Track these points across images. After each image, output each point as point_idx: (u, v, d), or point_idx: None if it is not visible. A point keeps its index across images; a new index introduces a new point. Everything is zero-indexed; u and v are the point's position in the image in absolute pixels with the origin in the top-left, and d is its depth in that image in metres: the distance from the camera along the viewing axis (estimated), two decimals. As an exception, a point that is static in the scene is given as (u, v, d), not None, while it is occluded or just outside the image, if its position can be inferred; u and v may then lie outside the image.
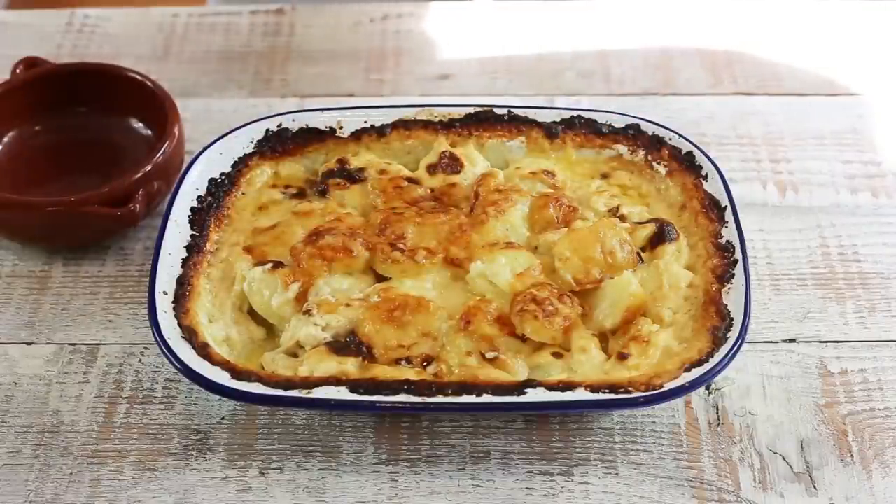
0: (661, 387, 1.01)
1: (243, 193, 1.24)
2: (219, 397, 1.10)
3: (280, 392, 1.01)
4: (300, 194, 1.25)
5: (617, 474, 1.07)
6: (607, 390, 1.01)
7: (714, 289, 1.09)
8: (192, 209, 1.19)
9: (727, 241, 1.14)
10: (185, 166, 1.23)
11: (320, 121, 1.28)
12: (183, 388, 1.14)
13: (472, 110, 1.29)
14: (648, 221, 1.18)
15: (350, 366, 1.05)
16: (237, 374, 1.03)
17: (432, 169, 1.25)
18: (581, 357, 1.06)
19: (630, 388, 1.01)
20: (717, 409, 1.12)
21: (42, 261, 1.27)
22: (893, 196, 1.34)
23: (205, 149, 1.23)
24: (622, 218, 1.19)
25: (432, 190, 1.23)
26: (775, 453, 1.08)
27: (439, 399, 1.01)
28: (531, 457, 1.08)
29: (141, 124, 1.37)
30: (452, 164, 1.25)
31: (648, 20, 1.63)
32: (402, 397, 1.01)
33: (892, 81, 1.52)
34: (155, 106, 1.32)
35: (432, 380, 1.04)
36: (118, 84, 1.36)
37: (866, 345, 1.18)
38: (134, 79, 1.35)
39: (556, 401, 1.00)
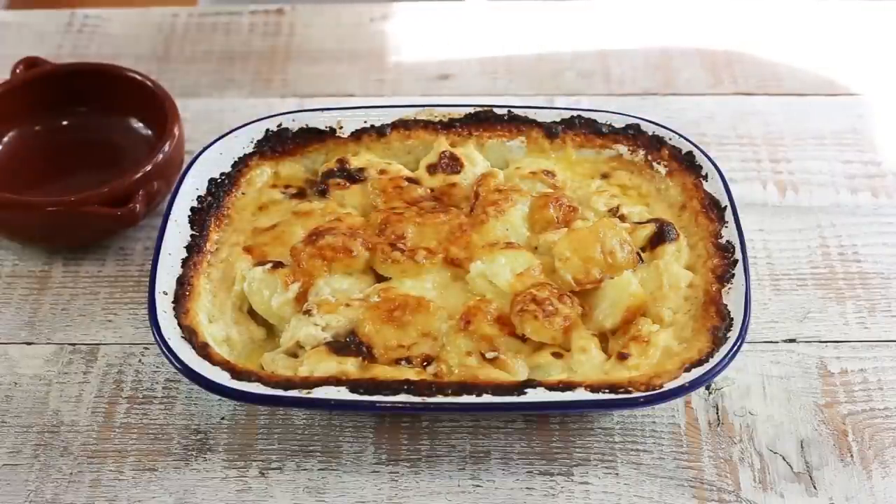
0: (661, 387, 1.01)
1: (243, 193, 1.24)
2: (219, 397, 1.11)
3: (280, 392, 1.01)
4: (300, 194, 1.25)
5: (617, 474, 1.07)
6: (607, 390, 1.01)
7: (714, 289, 1.09)
8: (192, 209, 1.19)
9: (727, 241, 1.14)
10: (185, 166, 1.23)
11: (320, 121, 1.28)
12: (183, 388, 1.14)
13: (472, 110, 1.29)
14: (648, 221, 1.18)
15: (350, 366, 1.05)
16: (237, 374, 1.03)
17: (432, 169, 1.25)
18: (581, 357, 1.06)
19: (630, 388, 1.01)
20: (717, 409, 1.12)
21: (42, 261, 1.28)
22: (893, 196, 1.34)
23: (205, 149, 1.23)
24: (622, 218, 1.19)
25: (432, 190, 1.23)
26: (775, 453, 1.08)
27: (439, 399, 1.01)
28: (531, 457, 1.08)
29: (141, 124, 1.38)
30: (452, 164, 1.25)
31: (648, 20, 1.63)
32: (402, 397, 1.01)
33: (892, 81, 1.52)
34: (155, 106, 1.32)
35: (432, 380, 1.04)
36: (118, 84, 1.36)
37: (866, 345, 1.18)
38: (134, 79, 1.35)
39: (556, 401, 1.00)
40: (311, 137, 1.28)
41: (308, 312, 1.10)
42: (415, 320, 1.09)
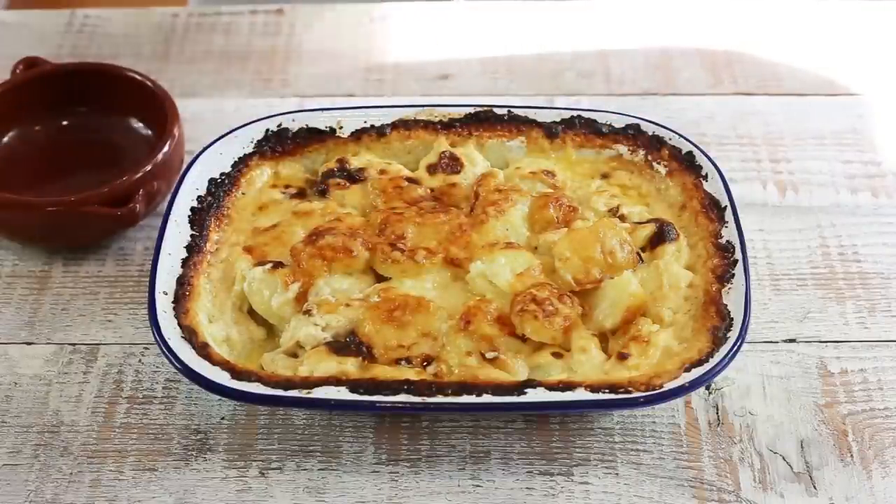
0: (661, 387, 1.01)
1: (243, 193, 1.24)
2: (219, 397, 1.11)
3: (280, 392, 1.01)
4: (300, 194, 1.25)
5: (617, 474, 1.07)
6: (607, 390, 1.01)
7: (714, 289, 1.09)
8: (192, 209, 1.19)
9: (727, 241, 1.14)
10: (185, 166, 1.23)
11: (320, 121, 1.28)
12: (183, 388, 1.14)
13: (472, 110, 1.29)
14: (648, 221, 1.18)
15: (350, 366, 1.05)
16: (237, 374, 1.03)
17: (432, 169, 1.25)
18: (581, 357, 1.06)
19: (630, 388, 1.01)
20: (717, 409, 1.12)
21: (42, 261, 1.28)
22: (893, 196, 1.34)
23: (205, 149, 1.23)
24: (622, 218, 1.19)
25: (432, 190, 1.23)
26: (775, 453, 1.08)
27: (439, 399, 1.01)
28: (531, 457, 1.08)
29: (141, 124, 1.38)
30: (452, 164, 1.25)
31: (648, 20, 1.63)
32: (402, 397, 1.01)
33: (892, 81, 1.52)
34: (155, 106, 1.32)
35: (432, 380, 1.04)
36: (118, 84, 1.36)
37: (866, 345, 1.18)
38: (134, 79, 1.35)
39: (556, 401, 1.00)
40: (311, 137, 1.28)
41: (308, 312, 1.10)
42: (415, 320, 1.09)
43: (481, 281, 1.12)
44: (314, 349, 1.07)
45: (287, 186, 1.25)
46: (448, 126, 1.28)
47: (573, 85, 1.52)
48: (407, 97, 1.50)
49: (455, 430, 1.10)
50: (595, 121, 1.27)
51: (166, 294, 1.10)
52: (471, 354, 1.07)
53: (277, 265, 1.14)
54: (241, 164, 1.25)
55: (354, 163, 1.25)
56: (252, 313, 1.14)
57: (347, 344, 1.08)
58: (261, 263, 1.15)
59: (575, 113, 1.28)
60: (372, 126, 1.28)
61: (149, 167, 1.23)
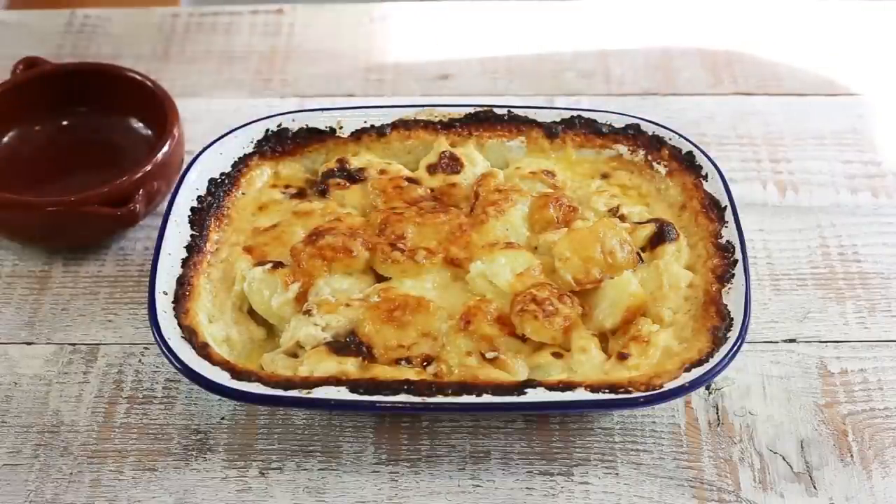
0: (661, 387, 1.01)
1: (243, 193, 1.24)
2: (219, 397, 1.10)
3: (280, 392, 1.01)
4: (300, 194, 1.25)
5: (617, 474, 1.07)
6: (607, 390, 1.01)
7: (714, 289, 1.09)
8: (192, 209, 1.19)
9: (727, 241, 1.14)
10: (185, 166, 1.23)
11: (320, 121, 1.28)
12: (183, 388, 1.14)
13: (472, 110, 1.29)
14: (648, 221, 1.18)
15: (350, 366, 1.05)
16: (237, 374, 1.03)
17: (432, 169, 1.25)
18: (581, 357, 1.06)
19: (630, 388, 1.01)
20: (717, 409, 1.12)
21: (42, 261, 1.28)
22: (893, 196, 1.34)
23: (205, 149, 1.23)
24: (622, 218, 1.19)
25: (432, 190, 1.23)
26: (775, 453, 1.08)
27: (439, 399, 1.01)
28: (531, 457, 1.08)
29: (141, 124, 1.38)
30: (452, 164, 1.25)
31: (648, 20, 1.63)
32: (402, 397, 1.01)
33: (892, 81, 1.52)
34: (155, 106, 1.32)
35: (432, 380, 1.04)
36: (118, 84, 1.36)
37: (866, 345, 1.18)
38: (134, 79, 1.35)
39: (556, 401, 1.00)
40: (311, 137, 1.28)
41: (308, 312, 1.10)
42: (415, 320, 1.09)
43: (481, 281, 1.12)
44: (314, 349, 1.07)
45: (287, 186, 1.25)
46: (448, 126, 1.28)
47: (573, 85, 1.52)
48: (407, 97, 1.50)
49: (455, 430, 1.10)
50: (595, 121, 1.27)
51: (166, 294, 1.10)
52: (471, 354, 1.07)
53: (277, 265, 1.14)
54: (241, 164, 1.25)
55: (354, 163, 1.25)
56: (252, 313, 1.14)
57: (347, 344, 1.08)
58: (261, 263, 1.15)
59: (575, 113, 1.28)
60: (372, 126, 1.28)
61: (149, 167, 1.23)
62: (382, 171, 1.24)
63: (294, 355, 1.09)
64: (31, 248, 1.28)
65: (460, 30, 1.62)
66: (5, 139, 1.36)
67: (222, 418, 1.12)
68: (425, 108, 1.29)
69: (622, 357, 1.06)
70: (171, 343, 1.05)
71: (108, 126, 1.38)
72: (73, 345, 1.19)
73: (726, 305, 1.07)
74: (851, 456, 1.08)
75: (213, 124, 1.38)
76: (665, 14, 1.64)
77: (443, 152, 1.25)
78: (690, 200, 1.20)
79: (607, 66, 1.55)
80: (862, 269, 1.26)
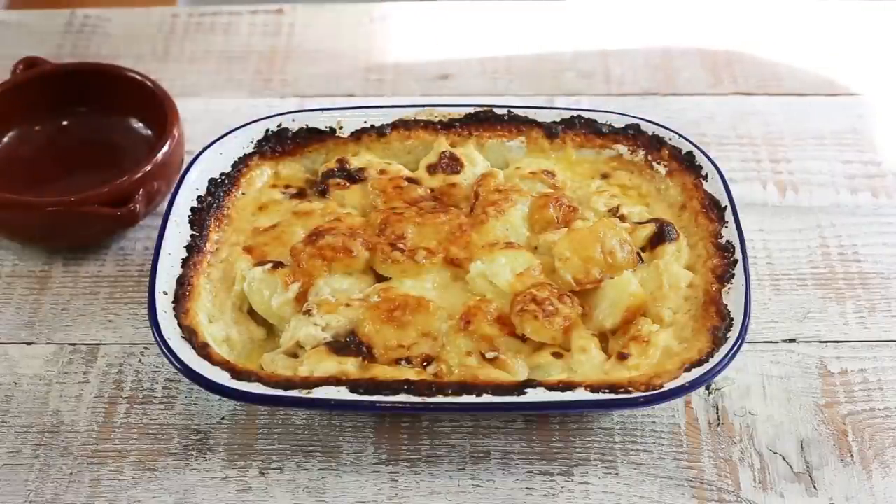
0: (661, 387, 1.01)
1: (243, 193, 1.24)
2: (219, 397, 1.10)
3: (280, 392, 1.01)
4: (300, 194, 1.25)
5: (617, 474, 1.07)
6: (607, 390, 1.01)
7: (714, 289, 1.09)
8: (192, 209, 1.19)
9: (727, 241, 1.14)
10: (185, 166, 1.23)
11: (320, 121, 1.28)
12: (183, 388, 1.14)
13: (472, 110, 1.29)
14: (648, 221, 1.18)
15: (350, 366, 1.05)
16: (237, 374, 1.03)
17: (432, 169, 1.25)
18: (581, 357, 1.06)
19: (630, 388, 1.01)
20: (717, 409, 1.12)
21: (42, 261, 1.28)
22: (893, 196, 1.34)
23: (205, 149, 1.23)
24: (622, 218, 1.19)
25: (432, 190, 1.23)
26: (775, 453, 1.08)
27: (439, 399, 1.01)
28: (531, 457, 1.08)
29: (141, 124, 1.38)
30: (452, 164, 1.25)
31: (648, 20, 1.63)
32: (402, 397, 1.01)
33: (892, 81, 1.52)
34: (155, 106, 1.32)
35: (432, 380, 1.04)
36: (118, 84, 1.36)
37: (866, 345, 1.18)
38: (134, 79, 1.35)
39: (556, 401, 1.00)
40: (311, 137, 1.28)
41: (308, 312, 1.10)
42: (415, 320, 1.09)
43: (481, 281, 1.12)
44: (314, 349, 1.07)
45: (287, 186, 1.25)
46: (448, 126, 1.28)
47: (573, 85, 1.52)
48: (407, 97, 1.50)
49: (455, 430, 1.10)
50: (595, 121, 1.27)
51: (166, 294, 1.10)
52: (471, 354, 1.07)
53: (277, 265, 1.14)
54: (241, 164, 1.25)
55: (354, 163, 1.25)
56: (252, 313, 1.14)
57: (347, 344, 1.08)
58: (261, 263, 1.15)
59: (575, 113, 1.28)
60: (372, 126, 1.28)
61: (149, 167, 1.23)
62: (382, 171, 1.24)
63: (294, 355, 1.09)
64: (31, 248, 1.28)
65: (460, 30, 1.62)
66: (5, 139, 1.36)
67: (222, 418, 1.12)
68: (425, 108, 1.29)
69: (622, 357, 1.06)
70: (171, 343, 1.05)
71: (108, 126, 1.38)
72: (73, 345, 1.19)
73: (726, 305, 1.07)
74: (851, 456, 1.08)
75: (213, 124, 1.38)
76: (665, 14, 1.64)
77: (443, 152, 1.25)
78: (690, 200, 1.20)
79: (607, 66, 1.55)
80: (862, 269, 1.26)
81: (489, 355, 1.07)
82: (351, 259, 1.13)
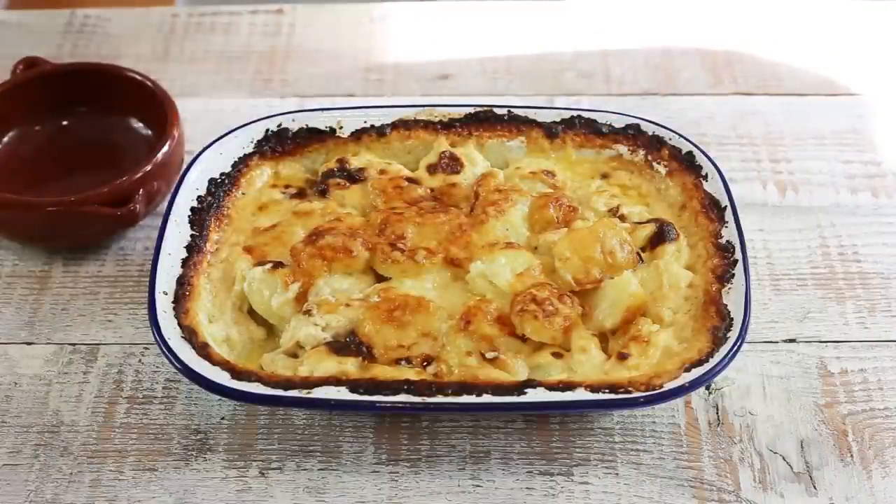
0: (661, 387, 1.01)
1: (243, 193, 1.24)
2: (219, 397, 1.10)
3: (280, 392, 1.01)
4: (300, 194, 1.25)
5: (617, 474, 1.07)
6: (607, 390, 1.01)
7: (714, 289, 1.09)
8: (192, 209, 1.19)
9: (727, 241, 1.14)
10: (185, 166, 1.23)
11: (320, 121, 1.28)
12: (183, 388, 1.14)
13: (472, 110, 1.29)
14: (648, 221, 1.18)
15: (350, 366, 1.05)
16: (237, 374, 1.03)
17: (432, 169, 1.25)
18: (581, 357, 1.06)
19: (630, 388, 1.01)
20: (717, 409, 1.12)
21: (42, 261, 1.28)
22: (893, 196, 1.34)
23: (205, 149, 1.23)
24: (622, 218, 1.19)
25: (432, 190, 1.23)
26: (775, 453, 1.08)
27: (439, 399, 1.01)
28: (531, 457, 1.08)
29: (141, 124, 1.38)
30: (452, 164, 1.25)
31: (648, 20, 1.63)
32: (402, 397, 1.01)
33: (892, 81, 1.52)
34: (155, 106, 1.32)
35: (432, 380, 1.04)
36: (118, 84, 1.36)
37: (866, 345, 1.18)
38: (134, 79, 1.35)
39: (556, 401, 1.00)
40: (311, 137, 1.28)
41: (308, 312, 1.10)
42: (415, 320, 1.09)
43: (481, 281, 1.12)
44: (314, 349, 1.07)
45: (287, 186, 1.25)
46: (448, 126, 1.28)
47: (573, 85, 1.52)
48: (407, 97, 1.50)
49: (455, 430, 1.10)
50: (595, 121, 1.27)
51: (166, 294, 1.10)
52: (471, 354, 1.07)
53: (277, 265, 1.14)
54: (241, 164, 1.25)
55: (354, 163, 1.25)
56: (252, 313, 1.14)
57: (347, 344, 1.08)
58: (261, 263, 1.15)
59: (575, 113, 1.28)
60: (372, 126, 1.28)
61: (149, 167, 1.23)
62: (382, 171, 1.24)
63: (294, 355, 1.09)
64: (31, 248, 1.28)
65: (460, 30, 1.62)
66: (5, 139, 1.36)
67: (222, 418, 1.12)
68: (425, 108, 1.29)
69: (622, 357, 1.06)
70: (171, 343, 1.05)
71: (108, 126, 1.38)
72: (73, 345, 1.19)
73: (726, 305, 1.07)
74: (851, 456, 1.08)
75: (213, 124, 1.38)
76: (665, 14, 1.64)
77: (443, 152, 1.25)
78: (690, 200, 1.20)
79: (607, 66, 1.55)
80: (862, 269, 1.26)
81: (489, 355, 1.07)
82: (351, 259, 1.13)
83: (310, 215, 1.20)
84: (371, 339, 1.08)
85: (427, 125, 1.28)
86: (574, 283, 1.11)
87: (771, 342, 1.18)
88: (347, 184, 1.23)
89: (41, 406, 1.13)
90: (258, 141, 1.26)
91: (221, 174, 1.23)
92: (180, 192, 1.19)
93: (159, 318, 1.06)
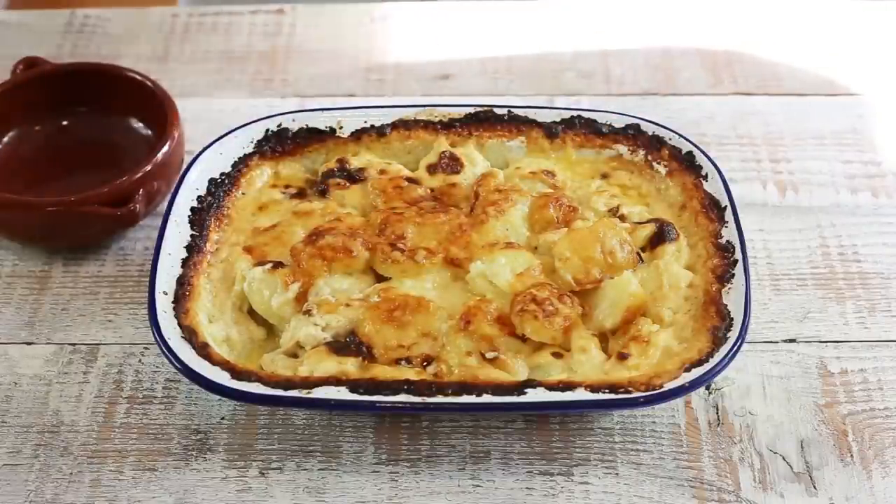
0: (661, 387, 1.01)
1: (243, 193, 1.24)
2: (219, 397, 1.10)
3: (280, 392, 1.01)
4: (300, 194, 1.25)
5: (617, 474, 1.07)
6: (607, 390, 1.01)
7: (714, 289, 1.09)
8: (192, 209, 1.19)
9: (727, 241, 1.14)
10: (185, 166, 1.23)
11: (320, 121, 1.28)
12: (183, 388, 1.14)
13: (472, 110, 1.29)
14: (648, 221, 1.18)
15: (350, 366, 1.05)
16: (237, 374, 1.03)
17: (432, 169, 1.25)
18: (581, 357, 1.06)
19: (630, 388, 1.01)
20: (717, 409, 1.12)
21: (42, 261, 1.28)
22: (893, 196, 1.34)
23: (205, 149, 1.23)
24: (622, 218, 1.19)
25: (432, 190, 1.23)
26: (775, 453, 1.08)
27: (439, 399, 1.01)
28: (531, 457, 1.08)
29: (141, 124, 1.38)
30: (452, 164, 1.25)
31: (648, 20, 1.63)
32: (402, 397, 1.01)
33: (892, 81, 1.52)
34: (155, 106, 1.32)
35: (432, 380, 1.04)
36: (118, 84, 1.36)
37: (866, 345, 1.18)
38: (134, 79, 1.35)
39: (556, 401, 1.00)
40: (311, 137, 1.28)
41: (308, 312, 1.10)
42: (415, 320, 1.09)
43: (481, 281, 1.12)
44: (314, 349, 1.07)
45: (287, 186, 1.25)
46: (448, 126, 1.28)
47: (573, 85, 1.52)
48: (407, 97, 1.50)
49: (455, 430, 1.10)
50: (595, 121, 1.27)
51: (166, 294, 1.10)
52: (471, 354, 1.07)
53: (277, 265, 1.14)
54: (241, 164, 1.25)
55: (354, 163, 1.25)
56: (252, 313, 1.14)
57: (347, 344, 1.08)
58: (261, 263, 1.15)
59: (575, 113, 1.28)
60: (372, 126, 1.28)
61: (149, 167, 1.23)
62: (382, 171, 1.24)
63: (294, 355, 1.09)
64: (31, 248, 1.28)
65: (460, 30, 1.62)
66: (5, 139, 1.36)
67: (222, 418, 1.12)
68: (425, 108, 1.29)
69: (622, 357, 1.06)
70: (171, 343, 1.05)
71: (108, 126, 1.38)
72: (73, 345, 1.19)
73: (726, 305, 1.07)
74: (851, 456, 1.08)
75: (213, 124, 1.38)
76: (665, 14, 1.64)
77: (443, 152, 1.25)
78: (690, 200, 1.20)
79: (607, 66, 1.55)
80: (862, 269, 1.26)
81: (489, 355, 1.07)
82: (351, 259, 1.13)
83: (310, 215, 1.20)
84: (371, 339, 1.08)
85: (427, 125, 1.28)
86: (574, 283, 1.11)
87: (771, 342, 1.18)
88: (347, 184, 1.23)
89: (41, 406, 1.13)
90: (258, 141, 1.26)
91: (221, 174, 1.23)
92: (180, 192, 1.19)
93: (159, 318, 1.06)
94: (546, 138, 1.27)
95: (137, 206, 1.21)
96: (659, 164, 1.24)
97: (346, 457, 1.09)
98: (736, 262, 1.11)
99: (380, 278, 1.15)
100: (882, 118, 1.46)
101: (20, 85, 1.35)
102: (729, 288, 1.09)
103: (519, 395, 1.01)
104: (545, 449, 1.09)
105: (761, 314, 1.21)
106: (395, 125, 1.28)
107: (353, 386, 1.02)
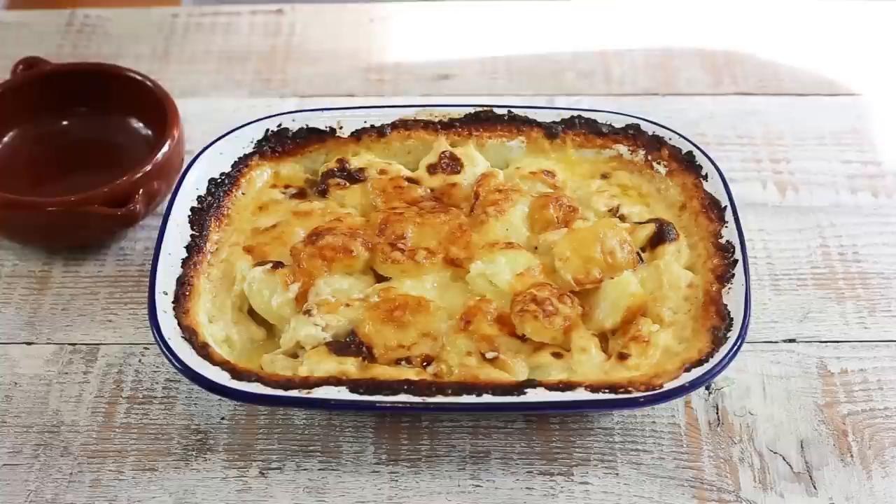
0: (661, 387, 1.01)
1: (243, 193, 1.24)
2: (219, 397, 1.10)
3: (280, 392, 1.01)
4: (300, 194, 1.25)
5: (617, 474, 1.07)
6: (607, 390, 1.01)
7: (714, 289, 1.09)
8: (192, 209, 1.19)
9: (727, 241, 1.14)
10: (185, 166, 1.23)
11: (320, 121, 1.28)
12: (183, 388, 1.14)
13: (472, 110, 1.29)
14: (648, 221, 1.18)
15: (350, 366, 1.05)
16: (237, 374, 1.03)
17: (432, 169, 1.25)
18: (581, 357, 1.06)
19: (630, 388, 1.01)
20: (717, 409, 1.12)
21: (42, 261, 1.28)
22: (893, 196, 1.34)
23: (205, 149, 1.23)
24: (622, 218, 1.19)
25: (432, 190, 1.23)
26: (775, 453, 1.08)
27: (439, 399, 1.01)
28: (531, 457, 1.08)
29: (141, 124, 1.38)
30: (452, 164, 1.25)
31: (648, 20, 1.63)
32: (402, 397, 1.01)
33: (892, 81, 1.52)
34: (155, 106, 1.32)
35: (432, 380, 1.04)
36: (118, 84, 1.36)
37: (866, 345, 1.18)
38: (134, 79, 1.35)
39: (556, 401, 1.00)
40: (311, 137, 1.28)
41: (308, 312, 1.10)
42: (415, 320, 1.09)
43: (481, 281, 1.12)
44: (314, 349, 1.07)
45: (287, 186, 1.25)
46: (448, 126, 1.28)
47: (573, 85, 1.52)
48: (407, 97, 1.50)
49: (455, 430, 1.10)
50: (595, 121, 1.27)
51: (166, 294, 1.10)
52: (471, 354, 1.07)
53: (277, 265, 1.14)
54: (241, 164, 1.25)
55: (354, 163, 1.25)
56: (252, 313, 1.14)
57: (347, 344, 1.08)
58: (261, 263, 1.15)
59: (575, 113, 1.28)
60: (372, 126, 1.28)
61: (149, 167, 1.23)
62: (382, 171, 1.24)
63: (294, 356, 1.09)
64: (31, 248, 1.28)
65: (460, 30, 1.62)
66: (5, 139, 1.36)
67: (222, 418, 1.12)
68: (425, 108, 1.29)
69: (622, 357, 1.06)
70: (171, 343, 1.05)
71: (108, 126, 1.38)
72: (73, 345, 1.19)
73: (726, 305, 1.07)
74: (851, 456, 1.08)
75: (213, 124, 1.38)
76: (665, 14, 1.64)
77: (443, 152, 1.25)
78: (690, 200, 1.20)
79: (607, 66, 1.55)
80: (862, 269, 1.26)
81: (489, 355, 1.07)
82: (351, 259, 1.13)
83: (310, 215, 1.20)
84: (371, 339, 1.08)
85: (427, 125, 1.28)
86: (574, 283, 1.11)
87: (771, 342, 1.18)
88: (347, 184, 1.23)
89: (41, 406, 1.13)
90: (258, 141, 1.26)
91: (221, 174, 1.23)
92: (180, 192, 1.19)
93: (159, 318, 1.06)
94: (546, 138, 1.27)
95: (137, 206, 1.21)
96: (659, 164, 1.24)
97: (346, 457, 1.09)
98: (736, 262, 1.11)
99: (380, 278, 1.15)
100: (882, 118, 1.46)
101: (20, 85, 1.35)
102: (729, 288, 1.09)
103: (519, 395, 1.01)
104: (545, 449, 1.09)
105: (761, 314, 1.21)
106: (395, 125, 1.28)
107: (353, 386, 1.02)
